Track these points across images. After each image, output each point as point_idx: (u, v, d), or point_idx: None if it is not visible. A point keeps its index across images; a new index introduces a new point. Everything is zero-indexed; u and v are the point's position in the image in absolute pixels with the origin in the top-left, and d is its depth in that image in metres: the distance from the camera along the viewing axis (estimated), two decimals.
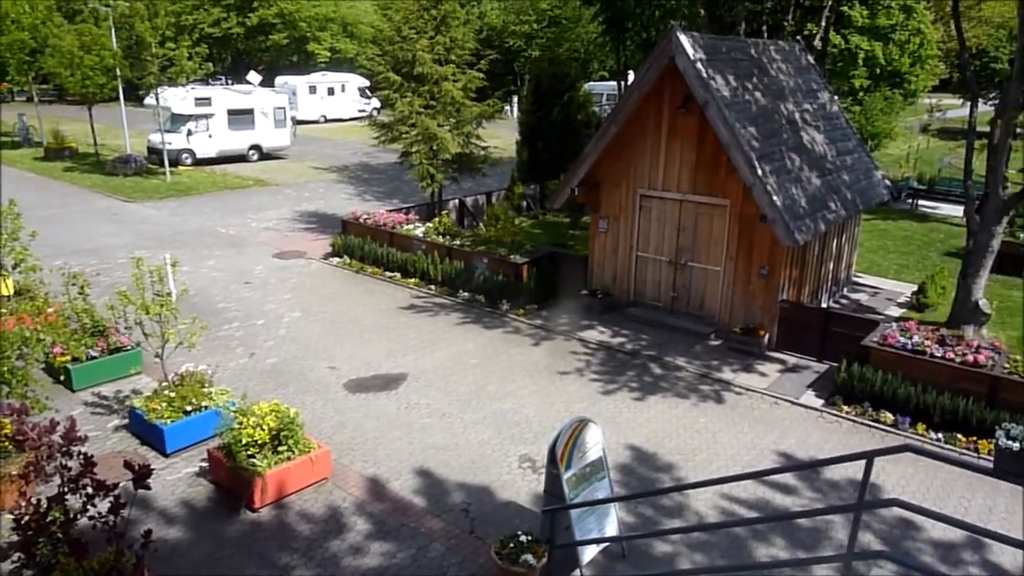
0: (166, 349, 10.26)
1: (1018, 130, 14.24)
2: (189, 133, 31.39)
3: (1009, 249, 17.39)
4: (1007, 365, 10.67)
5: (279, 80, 49.32)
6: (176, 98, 30.75)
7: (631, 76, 28.90)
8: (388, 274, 17.42)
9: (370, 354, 13.08)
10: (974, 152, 14.83)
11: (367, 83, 47.90)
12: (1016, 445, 9.18)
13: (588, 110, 25.46)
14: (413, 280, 16.94)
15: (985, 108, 39.34)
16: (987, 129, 14.18)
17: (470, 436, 10.38)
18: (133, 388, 11.40)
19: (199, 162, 31.80)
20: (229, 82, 56.04)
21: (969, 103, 15.04)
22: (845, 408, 11.27)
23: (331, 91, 50.63)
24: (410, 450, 9.97)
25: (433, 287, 16.60)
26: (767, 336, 13.37)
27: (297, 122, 43.01)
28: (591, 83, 47.08)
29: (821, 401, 11.62)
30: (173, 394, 9.80)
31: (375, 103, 47.88)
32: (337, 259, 18.57)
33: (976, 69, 43.11)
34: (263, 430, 8.56)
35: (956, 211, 23.22)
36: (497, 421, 10.82)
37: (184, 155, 31.30)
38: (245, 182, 28.90)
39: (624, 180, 14.76)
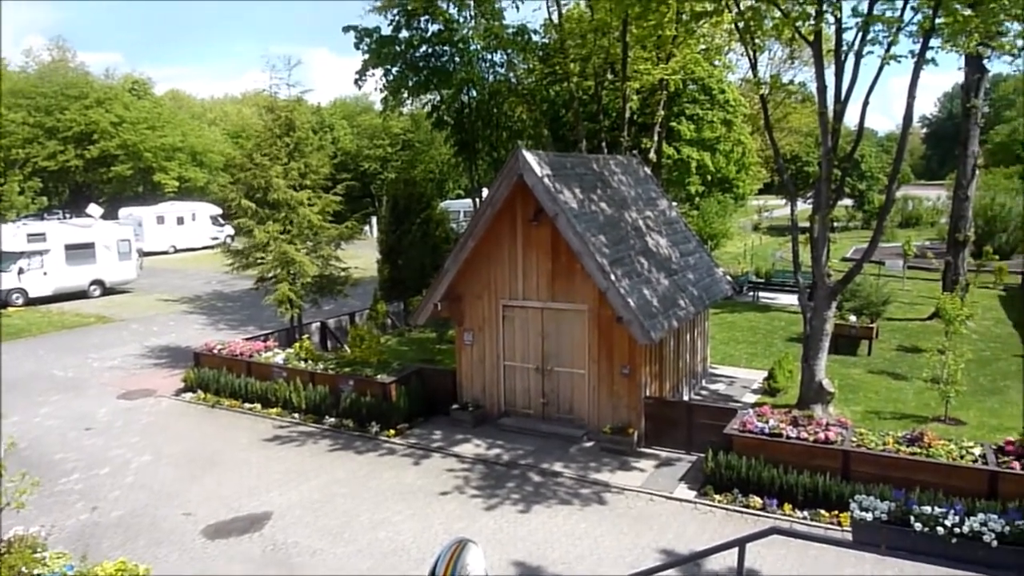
0: None
1: (835, 224, 15.80)
2: (20, 271, 29.25)
3: (841, 331, 18.95)
4: (854, 439, 11.38)
5: (123, 211, 47.40)
6: (5, 235, 28.76)
7: (485, 193, 30.07)
8: (247, 406, 16.54)
9: (230, 494, 12.19)
10: (799, 246, 16.27)
11: (219, 211, 46.92)
12: (869, 516, 9.70)
13: (446, 227, 26.04)
14: (275, 410, 16.16)
15: (804, 206, 43.66)
16: (808, 225, 15.66)
17: (344, 572, 9.74)
18: None
19: (32, 301, 29.54)
20: (67, 216, 53.21)
21: (789, 203, 16.60)
22: (717, 497, 11.55)
23: (181, 220, 49.13)
24: None
25: (297, 415, 15.89)
26: (636, 433, 13.64)
27: (144, 254, 41.21)
28: (447, 201, 48.37)
29: (694, 493, 11.86)
30: None
31: (229, 230, 46.80)
32: (190, 394, 17.50)
33: (792, 173, 48.03)
34: None
35: (792, 300, 25.13)
36: (373, 552, 10.26)
37: (15, 295, 29.03)
38: (86, 320, 27.06)
39: (486, 292, 15.01)
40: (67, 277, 30.75)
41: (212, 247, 47.13)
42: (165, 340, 23.64)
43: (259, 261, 18.74)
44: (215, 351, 17.79)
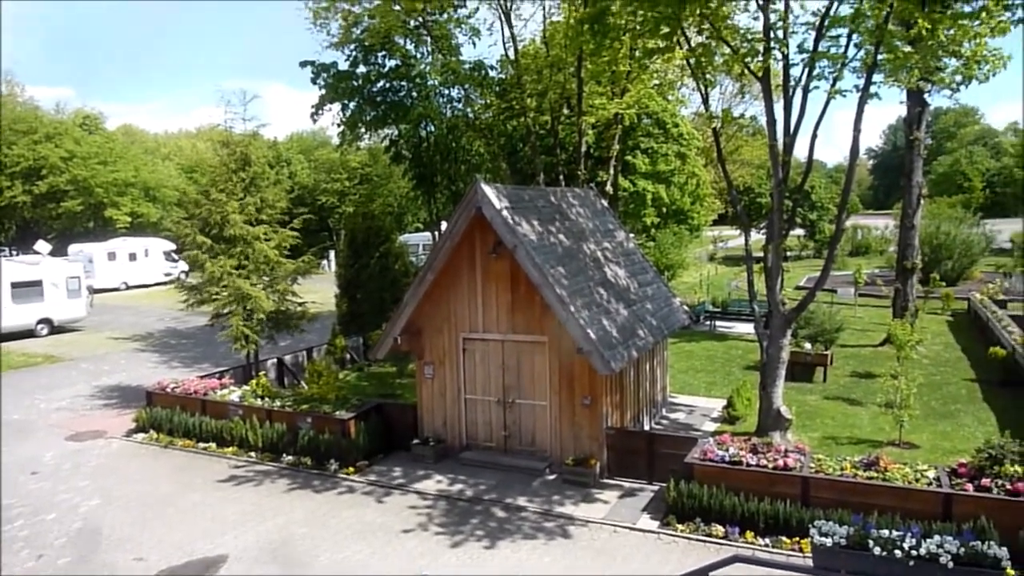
0: None
1: (788, 253, 16.15)
2: None
3: (796, 358, 19.28)
4: (812, 465, 11.52)
5: (73, 248, 46.32)
6: None
7: (444, 226, 30.05)
8: (202, 445, 16.14)
9: (183, 537, 11.82)
10: (754, 275, 16.57)
11: (173, 246, 46.10)
12: (828, 541, 9.78)
13: (405, 260, 25.96)
14: (231, 449, 15.78)
15: (758, 236, 44.56)
16: (762, 254, 15.98)
17: None
18: None
19: None
20: (14, 253, 51.80)
21: (743, 233, 16.95)
22: (679, 527, 11.56)
23: (133, 256, 48.14)
24: None
25: (254, 454, 15.53)
26: (598, 464, 13.62)
27: (94, 291, 40.22)
28: (406, 235, 48.32)
29: (657, 523, 11.85)
30: None
31: (183, 266, 46.00)
32: (142, 435, 17.02)
33: (745, 204, 48.99)
34: None
35: (748, 329, 25.52)
36: None
37: None
38: (33, 359, 26.22)
39: (446, 325, 14.95)
40: (13, 315, 29.81)
41: (165, 283, 46.24)
42: (116, 379, 23.01)
43: (214, 297, 18.42)
44: (168, 390, 17.37)
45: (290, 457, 15.14)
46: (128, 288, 47.38)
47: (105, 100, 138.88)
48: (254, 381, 17.15)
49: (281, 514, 12.69)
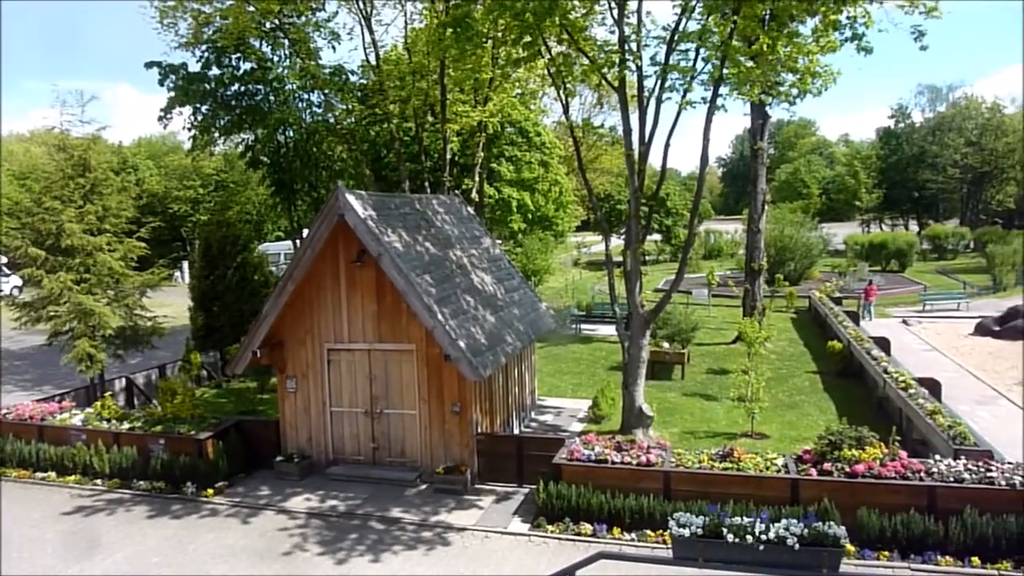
0: None
1: (646, 257, 16.80)
2: None
3: (656, 357, 20.09)
4: (673, 459, 12.01)
5: None
6: None
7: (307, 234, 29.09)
8: (40, 475, 14.81)
9: None
10: (615, 279, 17.13)
11: (3, 259, 42.20)
12: (686, 531, 10.22)
13: (264, 270, 24.98)
14: (73, 477, 14.57)
15: (618, 241, 46.17)
16: (621, 259, 16.54)
17: None
18: None
19: None
20: None
21: (604, 239, 17.48)
22: (550, 528, 11.73)
23: None
24: None
25: (100, 481, 14.41)
26: (469, 471, 13.60)
27: None
28: (266, 244, 46.55)
29: (528, 525, 11.97)
30: None
31: (15, 281, 42.19)
32: None
33: (605, 211, 50.72)
34: None
35: (611, 331, 26.34)
36: None
37: None
38: None
39: (309, 336, 14.49)
40: None
41: None
42: None
43: (52, 314, 16.97)
44: None
45: (142, 482, 14.16)
46: None
47: None
48: (99, 403, 15.94)
49: (131, 543, 11.83)
